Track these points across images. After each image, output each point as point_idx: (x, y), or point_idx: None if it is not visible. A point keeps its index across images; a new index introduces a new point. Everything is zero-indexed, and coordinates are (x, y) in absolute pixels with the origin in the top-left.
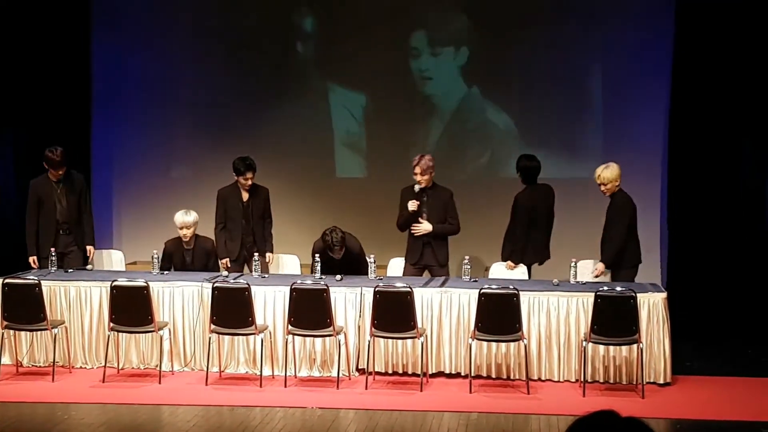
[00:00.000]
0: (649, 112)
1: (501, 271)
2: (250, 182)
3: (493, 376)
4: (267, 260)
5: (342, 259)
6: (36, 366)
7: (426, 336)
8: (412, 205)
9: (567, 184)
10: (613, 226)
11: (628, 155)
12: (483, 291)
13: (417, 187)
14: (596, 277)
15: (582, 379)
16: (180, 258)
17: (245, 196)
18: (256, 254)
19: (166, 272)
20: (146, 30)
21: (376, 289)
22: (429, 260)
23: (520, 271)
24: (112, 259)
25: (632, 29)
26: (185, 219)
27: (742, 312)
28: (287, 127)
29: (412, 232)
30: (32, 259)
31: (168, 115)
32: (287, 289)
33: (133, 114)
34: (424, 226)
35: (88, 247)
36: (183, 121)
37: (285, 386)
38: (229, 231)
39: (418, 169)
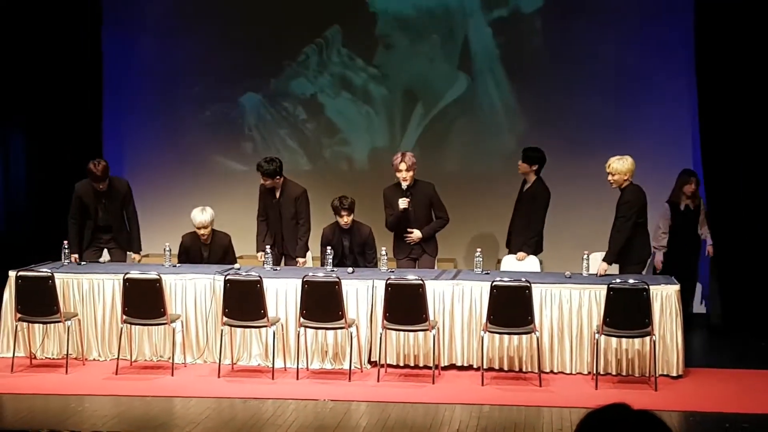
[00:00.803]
0: (673, 107)
1: (513, 263)
2: (263, 182)
3: (505, 368)
4: (297, 265)
5: (351, 240)
6: (49, 358)
7: (438, 328)
8: (404, 202)
9: (583, 177)
10: (616, 222)
11: (651, 150)
12: (495, 283)
13: (404, 185)
14: (601, 276)
15: (594, 372)
16: (197, 253)
17: (276, 193)
18: (267, 247)
19: (179, 265)
20: (157, 19)
21: (388, 281)
22: (418, 252)
23: (533, 263)
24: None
25: (652, 22)
26: (202, 219)
27: (756, 305)
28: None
29: (406, 240)
30: (74, 257)
31: (180, 105)
32: (299, 282)
33: (145, 104)
34: (415, 234)
35: (134, 255)
36: (195, 112)
37: (297, 378)
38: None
39: (403, 166)
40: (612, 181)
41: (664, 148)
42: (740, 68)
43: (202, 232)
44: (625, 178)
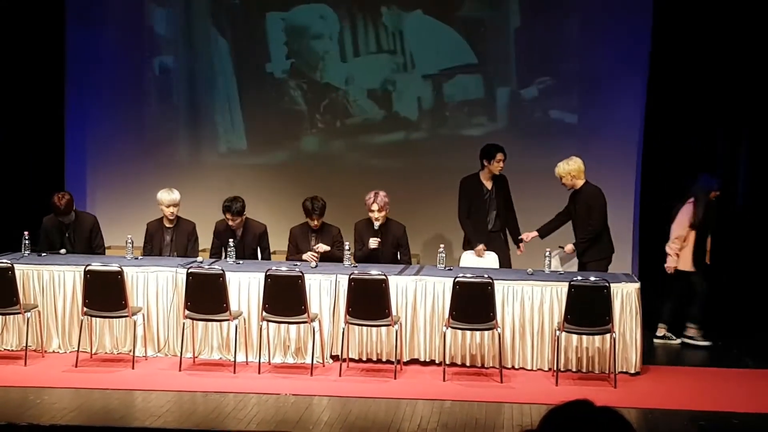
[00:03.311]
0: (625, 106)
1: (472, 259)
2: (232, 223)
3: (467, 364)
4: None
5: (319, 239)
6: (8, 350)
7: (400, 324)
8: (374, 242)
9: (541, 176)
10: (592, 213)
11: (604, 148)
12: (458, 279)
13: (376, 224)
14: (561, 253)
15: (555, 368)
16: (160, 238)
17: (238, 233)
18: (231, 241)
19: (140, 257)
20: (120, 12)
21: (351, 276)
22: None
23: (492, 260)
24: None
25: (610, 22)
26: (171, 197)
27: (712, 303)
28: (258, 112)
29: None
30: None
31: (143, 96)
32: (262, 276)
33: (108, 95)
34: None
35: None
36: (159, 103)
37: (259, 373)
38: None
39: (375, 206)
40: (564, 184)
41: (622, 145)
42: (690, 70)
43: (171, 210)
44: (573, 175)
